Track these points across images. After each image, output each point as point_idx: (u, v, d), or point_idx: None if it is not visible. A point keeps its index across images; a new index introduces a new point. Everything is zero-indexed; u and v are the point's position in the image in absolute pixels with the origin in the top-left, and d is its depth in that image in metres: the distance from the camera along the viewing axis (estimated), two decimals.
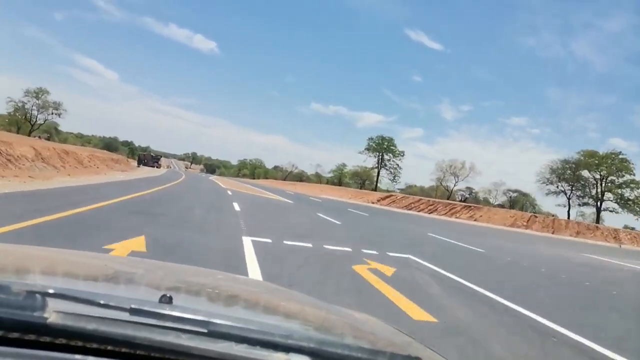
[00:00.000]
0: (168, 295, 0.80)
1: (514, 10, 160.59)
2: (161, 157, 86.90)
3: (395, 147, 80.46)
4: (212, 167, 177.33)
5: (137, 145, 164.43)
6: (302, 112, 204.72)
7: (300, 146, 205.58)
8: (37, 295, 0.66)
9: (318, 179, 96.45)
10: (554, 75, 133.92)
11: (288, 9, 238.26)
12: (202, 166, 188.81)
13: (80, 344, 0.63)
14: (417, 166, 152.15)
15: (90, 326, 0.64)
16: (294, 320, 1.16)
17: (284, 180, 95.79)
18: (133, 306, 0.69)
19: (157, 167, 71.70)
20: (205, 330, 0.67)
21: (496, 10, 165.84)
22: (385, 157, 79.83)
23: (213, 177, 56.29)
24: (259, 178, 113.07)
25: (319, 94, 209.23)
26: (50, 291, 0.69)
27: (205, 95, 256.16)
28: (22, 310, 0.64)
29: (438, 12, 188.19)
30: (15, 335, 0.62)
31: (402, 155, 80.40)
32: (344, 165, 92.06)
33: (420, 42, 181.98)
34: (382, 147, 79.20)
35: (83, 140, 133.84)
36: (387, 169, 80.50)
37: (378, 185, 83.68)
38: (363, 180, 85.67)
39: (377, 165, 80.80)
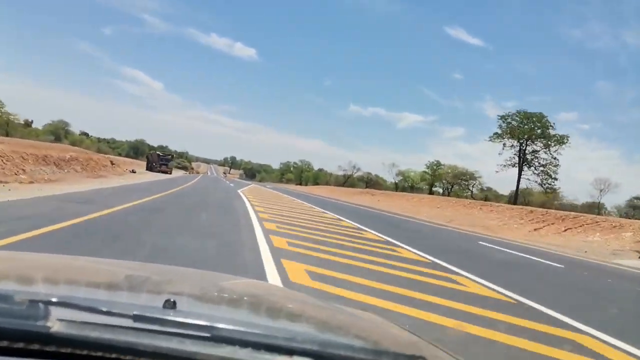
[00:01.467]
0: (172, 300, 0.78)
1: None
2: (172, 156, 64.00)
3: (551, 128, 45.38)
4: (252, 171, 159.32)
5: (173, 149, 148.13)
6: (341, 115, 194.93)
7: (339, 149, 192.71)
8: (40, 304, 0.65)
9: (393, 184, 70.87)
10: (605, 67, 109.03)
11: (324, 9, 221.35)
12: (241, 171, 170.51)
13: (85, 352, 0.62)
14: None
15: (94, 334, 0.62)
16: (297, 322, 1.15)
17: (343, 185, 71.78)
18: (136, 312, 0.68)
19: (166, 172, 48.94)
20: (209, 335, 0.66)
21: (540, 0, 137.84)
22: (530, 147, 46.08)
23: (245, 191, 30.69)
24: (307, 184, 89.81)
25: (357, 96, 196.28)
26: (53, 299, 0.67)
27: (245, 101, 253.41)
28: (25, 320, 0.62)
29: (477, 6, 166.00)
30: (19, 345, 0.60)
31: (564, 143, 45.51)
32: (438, 163, 63.22)
33: (459, 39, 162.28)
34: (526, 130, 45.62)
35: (113, 145, 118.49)
36: (534, 169, 46.41)
37: (455, 192, 58.09)
38: (452, 185, 60.14)
39: (516, 160, 46.22)
